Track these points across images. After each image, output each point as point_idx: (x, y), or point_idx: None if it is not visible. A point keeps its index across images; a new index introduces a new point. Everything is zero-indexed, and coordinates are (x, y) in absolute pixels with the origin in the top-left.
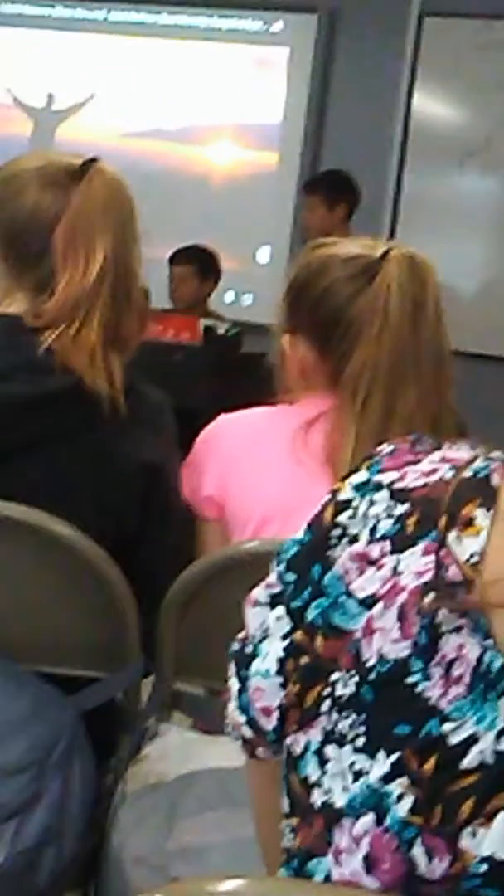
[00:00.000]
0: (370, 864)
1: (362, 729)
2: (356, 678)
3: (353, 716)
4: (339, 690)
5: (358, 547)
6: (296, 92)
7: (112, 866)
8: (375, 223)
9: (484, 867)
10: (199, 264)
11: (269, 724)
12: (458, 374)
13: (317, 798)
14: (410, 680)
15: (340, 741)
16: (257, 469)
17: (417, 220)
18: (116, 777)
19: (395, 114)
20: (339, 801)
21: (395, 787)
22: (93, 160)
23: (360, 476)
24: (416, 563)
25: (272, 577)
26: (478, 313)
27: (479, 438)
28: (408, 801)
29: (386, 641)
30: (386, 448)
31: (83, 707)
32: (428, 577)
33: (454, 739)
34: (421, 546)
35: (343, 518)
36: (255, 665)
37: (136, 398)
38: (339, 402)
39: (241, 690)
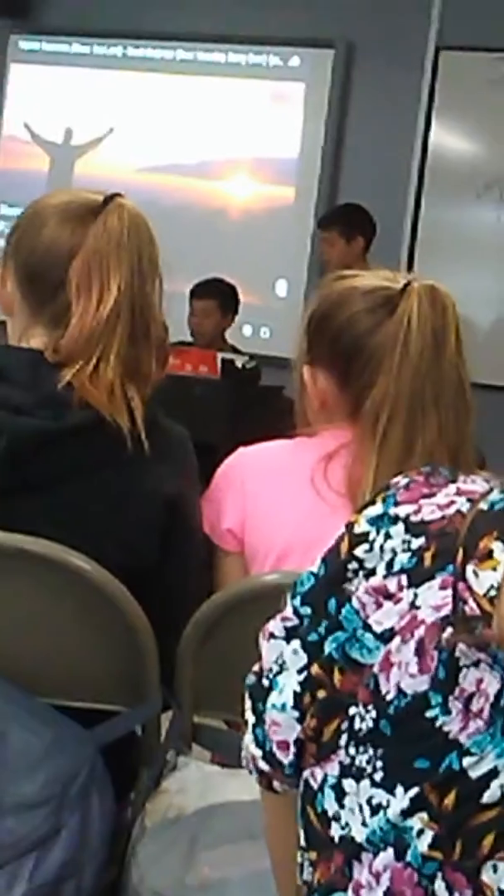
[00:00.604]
0: None
1: (380, 763)
2: (374, 712)
3: (371, 750)
4: (357, 724)
5: (375, 581)
6: (312, 126)
7: None
8: (393, 256)
9: None
10: (221, 298)
11: (287, 757)
12: (474, 405)
13: (335, 832)
14: (429, 714)
15: (358, 775)
16: (277, 502)
17: (435, 253)
18: (135, 811)
19: (411, 147)
20: (358, 835)
21: (416, 822)
22: (115, 195)
23: (376, 509)
24: (433, 597)
25: (288, 611)
26: (495, 344)
27: (497, 470)
28: (428, 836)
29: (404, 675)
30: (401, 481)
31: (102, 741)
32: (446, 611)
33: (475, 774)
34: (438, 580)
35: (359, 551)
36: (272, 698)
37: (157, 433)
38: (359, 434)
39: (257, 724)
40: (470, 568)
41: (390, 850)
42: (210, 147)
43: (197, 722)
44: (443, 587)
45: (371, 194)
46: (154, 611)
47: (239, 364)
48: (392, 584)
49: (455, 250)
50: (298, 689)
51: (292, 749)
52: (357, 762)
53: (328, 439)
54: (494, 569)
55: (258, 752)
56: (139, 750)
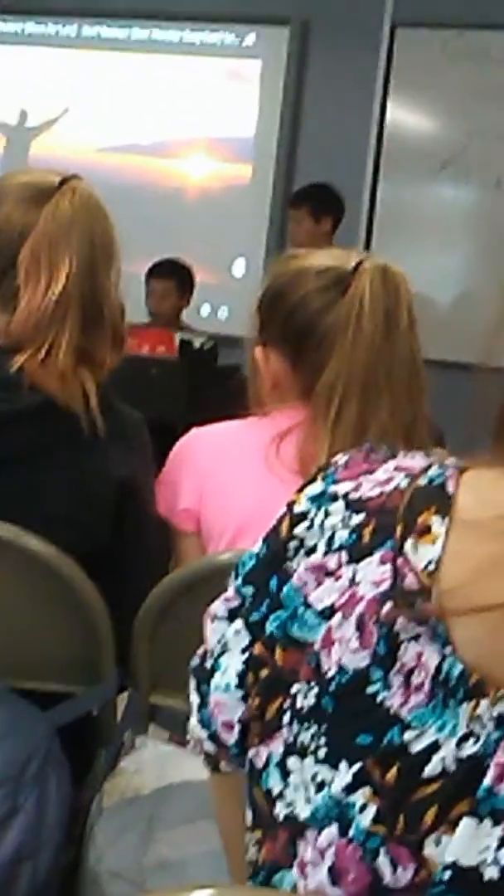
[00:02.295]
0: (335, 875)
1: (323, 740)
2: (316, 689)
3: (315, 727)
4: (300, 702)
5: (315, 558)
6: (269, 104)
7: (89, 881)
8: (351, 234)
9: (448, 874)
10: (177, 278)
11: (231, 737)
12: (434, 383)
13: (280, 810)
14: (371, 690)
15: (302, 753)
16: (231, 481)
17: (393, 230)
18: (93, 791)
19: (369, 124)
20: (303, 812)
21: (358, 798)
22: (71, 177)
23: (316, 487)
24: (373, 573)
25: (230, 591)
26: (454, 321)
27: (456, 447)
28: (371, 811)
29: (345, 652)
30: (341, 458)
31: (59, 722)
32: (385, 586)
33: (416, 748)
34: (378, 555)
35: (299, 530)
36: (216, 679)
37: (111, 416)
38: (312, 414)
39: (202, 705)
40: (409, 543)
41: (334, 827)
42: (166, 126)
43: (154, 702)
44: (382, 563)
45: (328, 172)
46: (110, 592)
47: (197, 344)
48: (332, 561)
49: (413, 228)
50: (241, 668)
51: (237, 729)
52: (300, 740)
53: (281, 418)
54: (433, 543)
55: (203, 734)
56: (96, 731)
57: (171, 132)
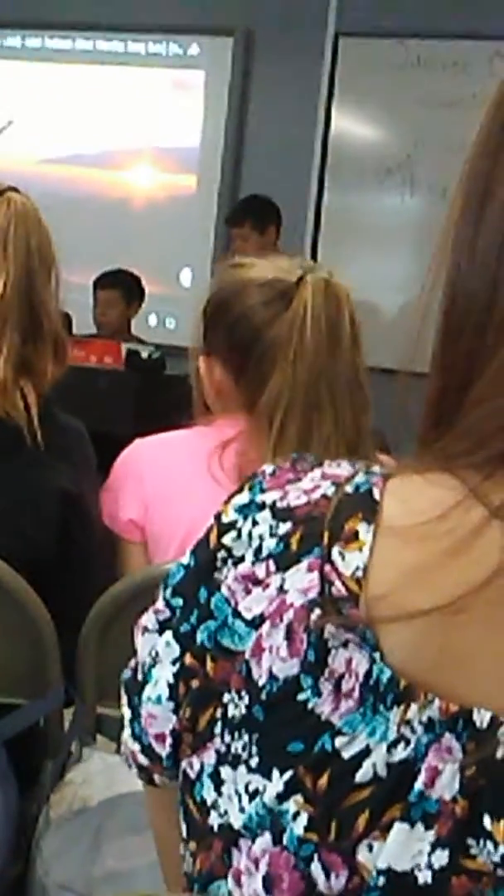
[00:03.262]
0: (269, 883)
1: (255, 749)
2: (247, 699)
3: (246, 736)
4: (231, 711)
5: (243, 568)
6: (213, 114)
7: (37, 893)
8: (297, 242)
9: (382, 880)
10: (124, 289)
11: (164, 749)
12: (379, 391)
13: (213, 820)
14: (301, 697)
15: (234, 762)
16: (176, 491)
17: (339, 239)
18: (40, 803)
19: (313, 133)
20: (236, 822)
21: (291, 805)
22: (6, 189)
23: (243, 497)
24: (300, 581)
25: (160, 603)
26: (401, 329)
27: (403, 455)
28: (303, 819)
29: (275, 660)
30: (268, 468)
31: (4, 734)
32: (313, 593)
33: (347, 753)
34: (305, 563)
35: (227, 540)
36: (147, 691)
37: (53, 428)
38: (255, 427)
39: (134, 718)
40: (336, 550)
41: (267, 835)
42: (111, 137)
43: (100, 713)
44: (310, 570)
45: (274, 181)
46: (55, 604)
47: (144, 355)
48: (260, 570)
49: (359, 236)
50: (172, 680)
51: (169, 741)
52: (232, 749)
53: (225, 428)
54: (360, 550)
55: (136, 747)
56: (42, 742)
57: (116, 143)
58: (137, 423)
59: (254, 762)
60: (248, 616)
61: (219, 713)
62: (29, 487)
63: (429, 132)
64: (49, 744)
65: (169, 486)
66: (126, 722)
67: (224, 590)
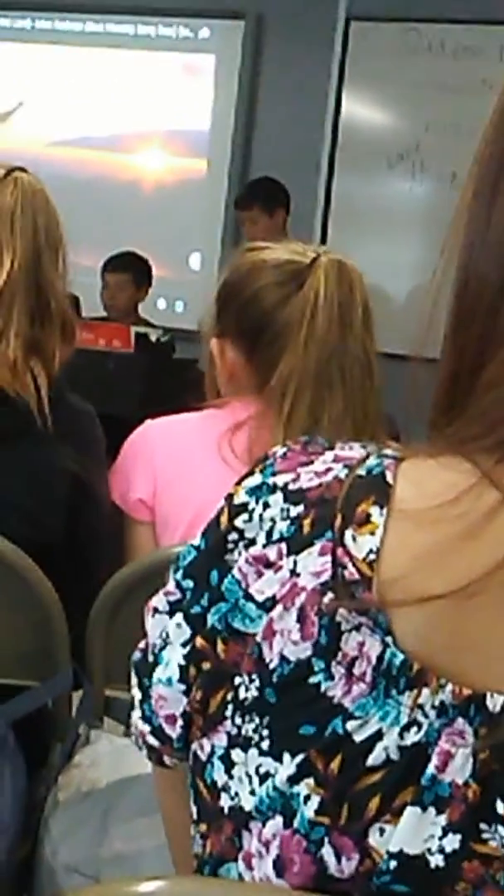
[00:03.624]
0: (280, 866)
1: (267, 732)
2: (258, 681)
3: (258, 719)
4: (243, 694)
5: (255, 550)
6: (224, 98)
7: (45, 875)
8: (306, 227)
9: (393, 863)
10: (134, 272)
11: (174, 731)
12: (389, 376)
13: (224, 803)
14: (313, 680)
15: (246, 745)
16: (186, 472)
17: (348, 224)
18: (48, 785)
19: (323, 118)
20: (247, 804)
21: (302, 788)
22: (14, 169)
23: (254, 479)
24: (313, 564)
25: (170, 585)
26: (408, 315)
27: (414, 441)
28: (315, 802)
29: (287, 643)
30: (279, 450)
31: (13, 716)
32: (326, 576)
33: (359, 737)
34: (318, 546)
35: (239, 522)
36: (157, 673)
37: (63, 410)
38: (264, 408)
39: (144, 700)
40: (349, 533)
41: (279, 818)
42: (121, 120)
43: (108, 695)
44: (322, 553)
45: (283, 166)
46: (64, 586)
47: (153, 338)
48: (272, 553)
49: (368, 220)
50: (183, 662)
51: (179, 722)
52: (244, 731)
53: (237, 411)
54: (373, 533)
55: (146, 728)
56: (51, 724)
57: (126, 126)
58: (146, 406)
59: (265, 745)
60: (260, 598)
61: (230, 696)
62: (39, 469)
63: (439, 117)
64: (57, 726)
65: (179, 467)
66: (136, 703)
67: (236, 572)
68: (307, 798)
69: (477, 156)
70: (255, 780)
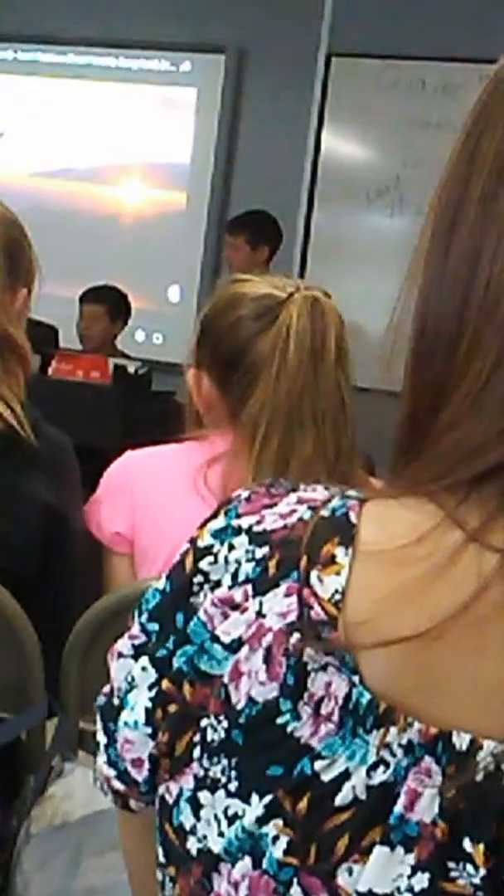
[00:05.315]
0: None
1: (234, 773)
2: (225, 723)
3: (225, 760)
4: (210, 736)
5: (220, 592)
6: (204, 131)
7: None
8: (286, 261)
9: None
10: (109, 304)
11: (141, 774)
12: (367, 411)
13: (192, 845)
14: (280, 721)
15: (213, 787)
16: (165, 505)
17: (328, 258)
18: (21, 817)
19: (303, 152)
20: (216, 846)
21: (270, 829)
22: None
23: (218, 522)
24: (279, 605)
25: (135, 629)
26: (386, 350)
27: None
28: (283, 842)
29: (254, 684)
30: (243, 493)
31: None
32: (292, 617)
33: (326, 777)
34: (283, 587)
35: (204, 564)
36: (123, 717)
37: (39, 440)
38: (237, 442)
39: (110, 744)
40: (314, 574)
41: (247, 859)
42: (101, 152)
43: (83, 727)
44: (288, 594)
45: (263, 199)
46: (39, 617)
47: (131, 370)
48: (238, 595)
49: (348, 255)
50: (150, 704)
51: (146, 766)
52: (211, 773)
53: (216, 443)
54: (338, 573)
55: (112, 773)
56: (24, 756)
57: (107, 158)
58: (123, 437)
59: (233, 786)
60: (227, 640)
61: (197, 738)
62: (13, 498)
63: (418, 153)
64: (31, 758)
65: (157, 499)
66: (101, 748)
67: (201, 614)
68: (275, 839)
69: (432, 201)
70: (224, 821)
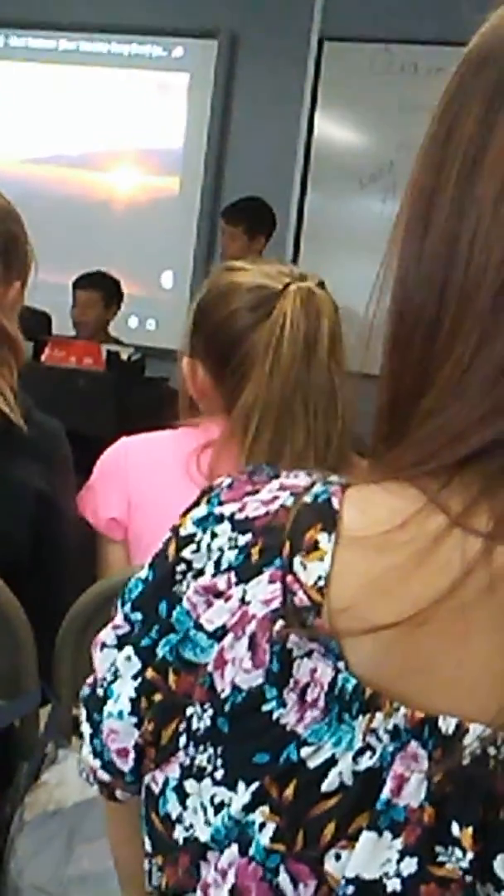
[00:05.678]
0: (237, 895)
1: (220, 761)
2: (211, 711)
3: (211, 749)
4: (195, 724)
5: (204, 580)
6: (197, 117)
7: (11, 894)
8: (279, 246)
9: (350, 889)
10: (103, 290)
11: (126, 765)
12: (362, 395)
13: (179, 834)
14: (266, 708)
15: (199, 775)
16: (160, 491)
17: (321, 243)
18: (14, 804)
19: (296, 137)
20: (203, 835)
21: (257, 816)
22: None
23: (200, 510)
24: (262, 592)
25: (118, 619)
26: (379, 334)
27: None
28: (270, 829)
29: (238, 671)
30: (224, 481)
31: None
32: (276, 604)
33: (313, 763)
34: (267, 574)
35: (186, 553)
36: (108, 707)
37: (31, 427)
38: (229, 432)
39: (95, 735)
40: (297, 560)
41: (234, 847)
42: (94, 138)
43: (76, 714)
44: (271, 581)
45: (256, 184)
46: (32, 604)
47: (124, 356)
48: (221, 582)
49: (342, 240)
50: (134, 694)
51: (132, 755)
52: (197, 762)
53: (210, 430)
54: (321, 559)
55: (97, 763)
56: (18, 743)
57: (99, 144)
58: (117, 424)
59: (219, 774)
60: (210, 628)
61: (182, 726)
62: (5, 485)
63: (411, 138)
64: (24, 745)
65: (152, 485)
66: (86, 739)
67: (185, 602)
68: (262, 826)
69: (407, 189)
70: (210, 810)
